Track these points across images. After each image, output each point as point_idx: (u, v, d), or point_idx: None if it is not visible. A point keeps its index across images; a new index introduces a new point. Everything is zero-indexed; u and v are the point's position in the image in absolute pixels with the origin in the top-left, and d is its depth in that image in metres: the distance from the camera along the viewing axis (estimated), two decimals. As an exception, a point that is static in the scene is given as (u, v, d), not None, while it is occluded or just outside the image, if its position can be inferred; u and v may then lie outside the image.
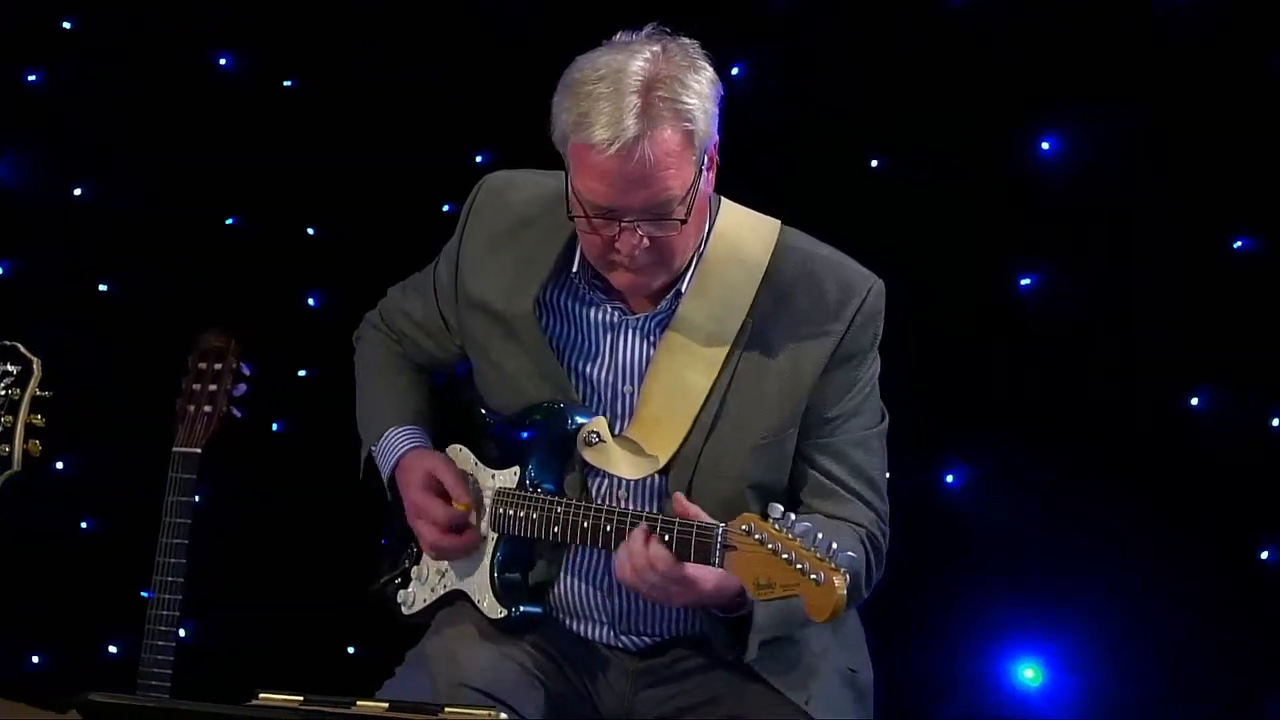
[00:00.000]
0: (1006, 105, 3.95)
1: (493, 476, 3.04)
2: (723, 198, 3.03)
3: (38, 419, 3.16)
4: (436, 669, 2.97)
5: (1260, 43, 3.73)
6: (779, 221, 3.03)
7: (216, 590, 4.38)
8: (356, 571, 4.57)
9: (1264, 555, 3.84)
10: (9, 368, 3.15)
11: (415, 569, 3.17)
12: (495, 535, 3.02)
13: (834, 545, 2.64)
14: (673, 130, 2.80)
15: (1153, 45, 3.83)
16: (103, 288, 4.74)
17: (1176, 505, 3.87)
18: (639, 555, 2.80)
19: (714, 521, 2.77)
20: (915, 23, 4.00)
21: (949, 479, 4.04)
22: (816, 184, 4.05)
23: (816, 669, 2.97)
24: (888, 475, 3.03)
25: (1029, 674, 4.02)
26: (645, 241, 2.84)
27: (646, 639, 3.02)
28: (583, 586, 3.01)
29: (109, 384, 4.63)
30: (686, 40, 2.90)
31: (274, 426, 4.72)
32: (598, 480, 2.99)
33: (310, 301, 4.67)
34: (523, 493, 2.98)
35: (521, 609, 3.00)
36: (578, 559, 3.01)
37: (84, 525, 4.76)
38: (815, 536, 2.64)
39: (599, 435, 2.94)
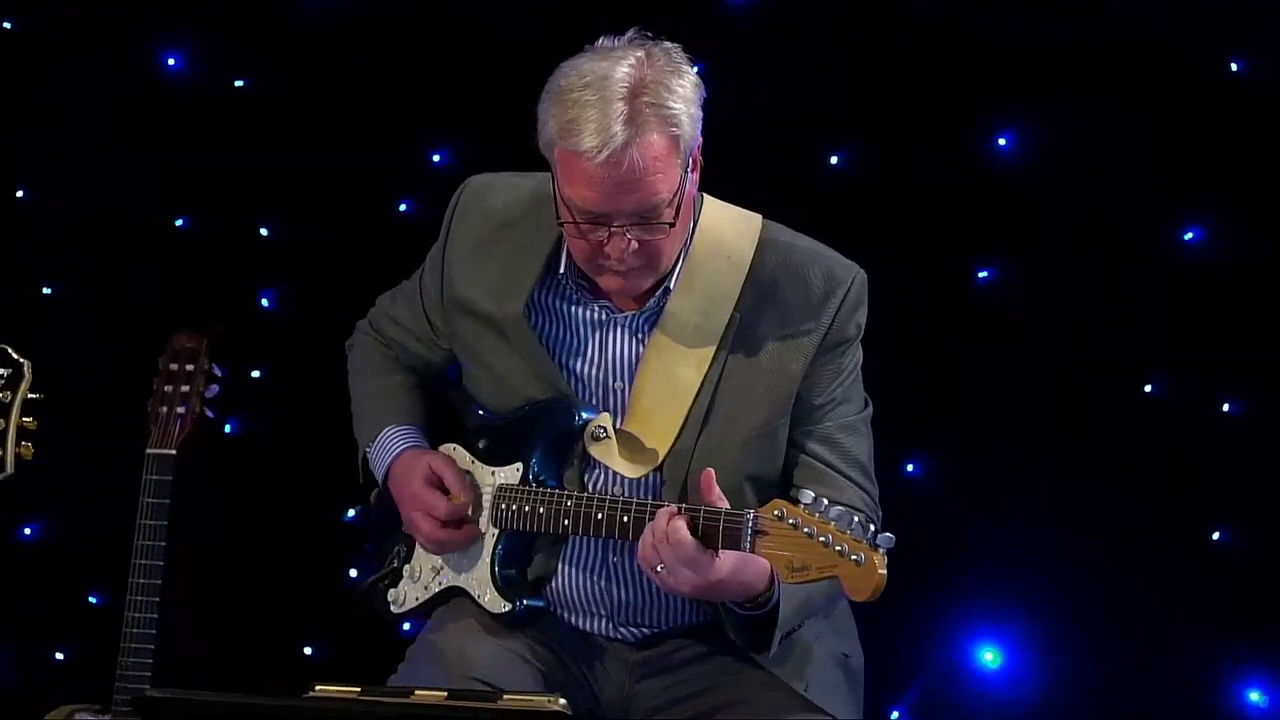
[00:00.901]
0: (963, 102, 4.04)
1: (492, 473, 3.08)
2: (704, 194, 3.09)
3: (30, 421, 3.15)
4: (447, 662, 3.00)
5: (1215, 41, 3.85)
6: (760, 216, 3.10)
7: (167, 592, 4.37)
8: (309, 572, 4.62)
9: (1215, 536, 3.97)
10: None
11: (407, 567, 3.20)
12: (496, 531, 3.06)
13: (872, 527, 2.71)
14: (659, 135, 2.85)
15: (1106, 42, 3.94)
16: (46, 291, 4.70)
17: (1133, 489, 3.99)
18: (659, 531, 2.84)
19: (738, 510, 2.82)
20: (873, 21, 4.08)
21: (909, 468, 4.13)
22: (776, 180, 4.12)
23: (812, 654, 3.03)
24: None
25: (989, 657, 4.13)
26: (634, 245, 2.89)
27: (644, 630, 3.08)
28: (581, 580, 3.06)
29: (54, 388, 4.59)
30: (669, 44, 2.96)
31: (227, 428, 4.71)
32: (595, 475, 3.04)
33: (264, 302, 4.67)
34: (526, 488, 3.02)
35: (525, 603, 3.04)
36: (575, 552, 3.05)
37: (27, 532, 4.73)
38: (851, 519, 2.72)
39: (605, 430, 3.00)
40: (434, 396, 3.28)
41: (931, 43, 4.05)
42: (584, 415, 3.01)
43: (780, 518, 2.74)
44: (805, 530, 2.71)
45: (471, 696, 2.49)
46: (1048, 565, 4.05)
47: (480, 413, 3.12)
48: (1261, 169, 3.87)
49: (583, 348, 3.04)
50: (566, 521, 2.95)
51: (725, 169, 3.19)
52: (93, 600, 4.80)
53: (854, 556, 2.68)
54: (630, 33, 2.96)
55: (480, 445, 3.11)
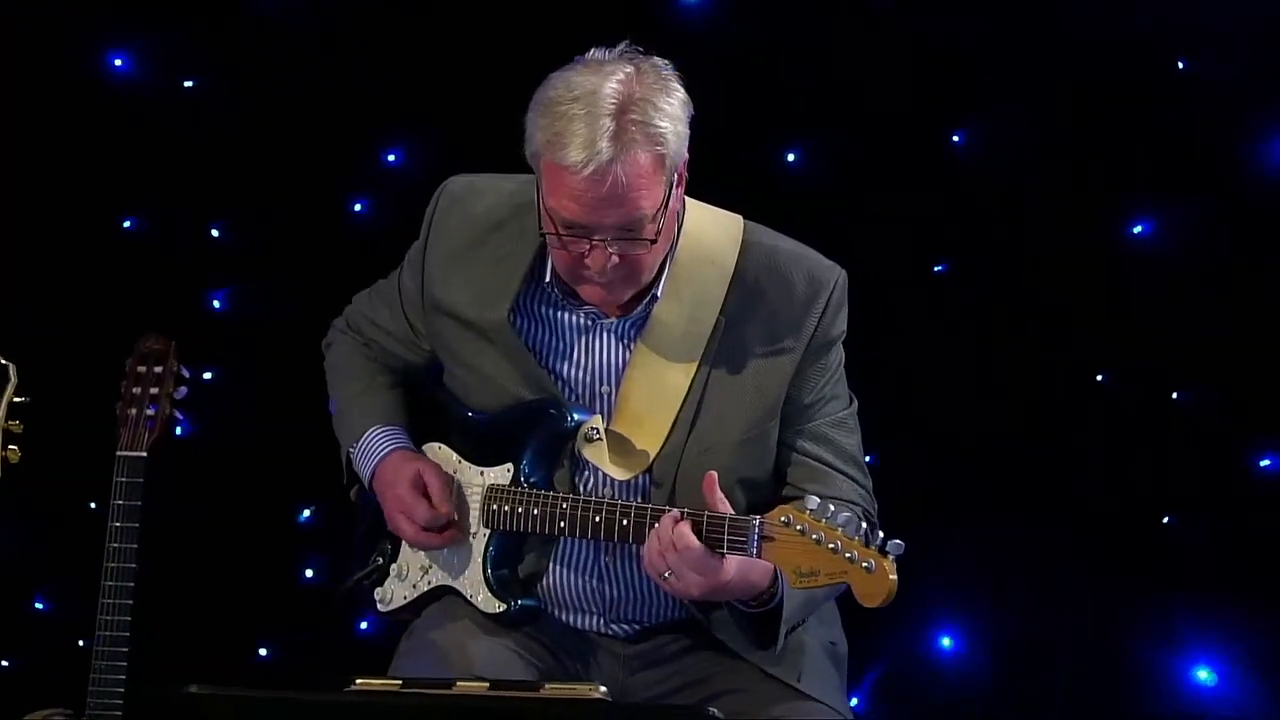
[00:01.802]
0: (917, 100, 4.13)
1: (481, 473, 3.10)
2: (686, 197, 3.12)
3: (15, 425, 3.14)
4: (445, 659, 3.03)
5: (1162, 41, 3.97)
6: (741, 217, 3.14)
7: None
8: (263, 573, 4.62)
9: (1165, 520, 4.09)
10: (-18, 374, 3.12)
11: (394, 566, 3.21)
12: (487, 531, 3.09)
13: (881, 534, 2.76)
14: (645, 153, 2.88)
15: (1058, 40, 4.04)
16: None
17: (1084, 475, 4.10)
18: (664, 537, 2.87)
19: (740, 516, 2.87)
20: (829, 20, 4.16)
21: (866, 459, 4.20)
22: (731, 178, 4.17)
23: (802, 644, 3.08)
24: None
25: (946, 642, 4.23)
26: (614, 258, 2.92)
27: (636, 626, 3.12)
28: (572, 578, 3.09)
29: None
30: (659, 60, 2.99)
31: (178, 430, 4.69)
32: (585, 476, 3.07)
33: (215, 304, 4.66)
34: (517, 489, 3.05)
35: (520, 602, 3.07)
36: (566, 553, 3.08)
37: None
38: (859, 525, 2.77)
39: (598, 432, 3.03)
40: (413, 393, 3.29)
41: (887, 40, 4.14)
42: (576, 417, 3.04)
43: (787, 524, 2.78)
44: (814, 536, 2.75)
45: (512, 686, 2.52)
46: (1001, 551, 4.14)
47: (468, 412, 3.14)
48: (1205, 163, 4.00)
49: (569, 352, 3.07)
50: (562, 524, 2.98)
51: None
52: (39, 607, 4.76)
53: (865, 564, 2.73)
54: (621, 45, 2.99)
55: (467, 444, 3.14)
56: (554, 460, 3.06)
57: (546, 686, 2.48)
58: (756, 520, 2.83)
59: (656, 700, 3.06)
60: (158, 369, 3.79)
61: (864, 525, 2.78)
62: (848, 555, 2.74)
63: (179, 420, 3.81)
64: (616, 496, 3.03)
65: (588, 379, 3.07)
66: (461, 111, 4.43)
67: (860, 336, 4.15)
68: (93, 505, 4.63)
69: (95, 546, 4.43)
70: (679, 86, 2.97)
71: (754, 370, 3.03)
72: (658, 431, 3.01)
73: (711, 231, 3.07)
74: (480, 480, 3.10)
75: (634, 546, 3.01)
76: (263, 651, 4.69)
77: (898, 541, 2.78)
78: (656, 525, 2.89)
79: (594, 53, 2.99)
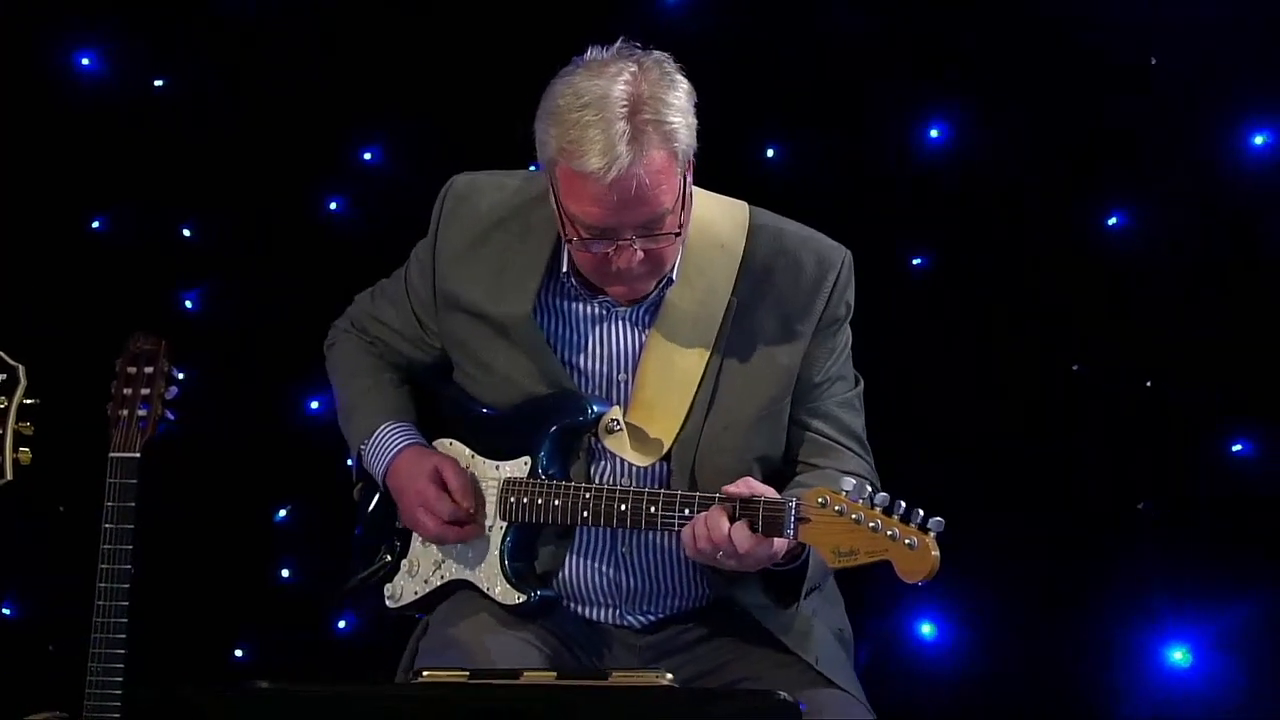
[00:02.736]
0: (897, 96, 4.19)
1: (496, 467, 3.13)
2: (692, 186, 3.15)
3: (26, 426, 3.12)
4: (466, 653, 3.04)
5: (1135, 38, 4.05)
6: (745, 203, 3.19)
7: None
8: (239, 574, 4.60)
9: (1140, 506, 4.18)
10: (-7, 375, 3.10)
11: (404, 562, 3.22)
12: (504, 524, 3.11)
13: (920, 512, 2.82)
14: (661, 151, 2.93)
15: (1032, 37, 4.12)
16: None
17: (1061, 461, 4.17)
18: (719, 539, 2.91)
19: (777, 496, 2.93)
20: (808, 15, 4.21)
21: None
22: (712, 173, 4.22)
23: (814, 629, 3.14)
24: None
25: (926, 629, 4.29)
26: (640, 255, 2.97)
27: (651, 616, 3.15)
28: (590, 570, 3.12)
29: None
30: (658, 54, 3.03)
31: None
32: (601, 466, 3.10)
33: (187, 304, 4.64)
34: (536, 481, 3.07)
35: (539, 593, 3.10)
36: (584, 543, 3.11)
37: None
38: (899, 504, 2.83)
39: (619, 423, 3.07)
40: (419, 391, 3.31)
41: (865, 36, 4.20)
42: (595, 409, 3.07)
43: (824, 505, 2.84)
44: (853, 517, 2.81)
45: (579, 675, 2.54)
46: (977, 538, 4.19)
47: (483, 409, 3.16)
48: (1177, 156, 4.09)
49: (584, 343, 3.10)
50: (585, 514, 3.01)
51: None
52: (5, 611, 4.72)
53: (907, 541, 2.80)
54: (618, 43, 3.02)
55: (480, 439, 3.16)
56: (571, 452, 3.09)
57: (614, 674, 2.50)
58: (793, 503, 2.89)
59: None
60: (148, 369, 3.78)
61: (902, 504, 2.83)
62: (889, 533, 2.80)
63: (170, 420, 3.81)
64: (634, 484, 3.07)
65: (604, 368, 3.11)
66: (439, 108, 4.43)
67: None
68: (61, 509, 4.61)
69: (63, 550, 4.45)
70: (682, 79, 3.01)
71: (766, 351, 3.08)
72: (674, 416, 3.06)
73: (719, 217, 3.12)
74: (496, 474, 3.13)
75: (650, 535, 3.06)
76: (239, 653, 4.67)
77: (939, 519, 2.85)
78: (701, 525, 2.91)
79: (592, 52, 3.02)
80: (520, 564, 3.10)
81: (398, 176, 4.50)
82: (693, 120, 2.99)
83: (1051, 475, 4.18)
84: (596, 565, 3.12)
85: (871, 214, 4.19)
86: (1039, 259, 4.16)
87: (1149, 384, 4.15)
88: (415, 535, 3.21)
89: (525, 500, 3.06)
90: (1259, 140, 4.04)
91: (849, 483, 2.87)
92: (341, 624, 4.65)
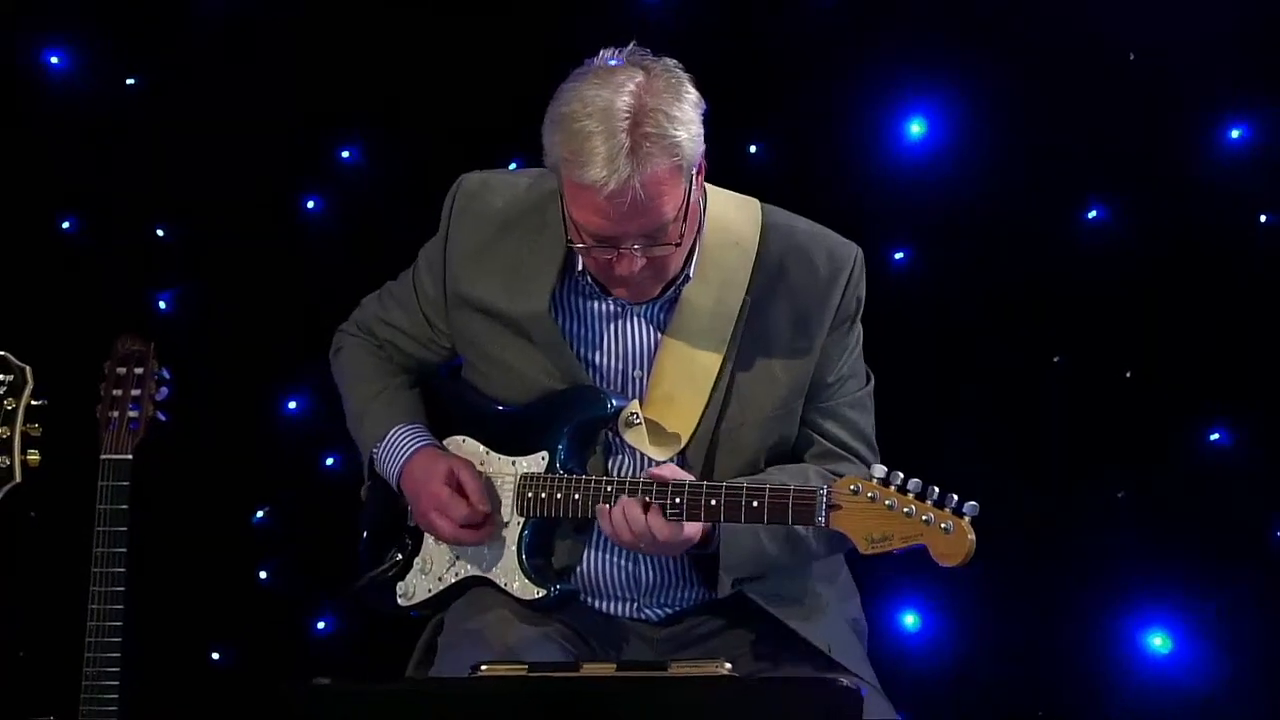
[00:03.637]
0: (878, 92, 4.23)
1: (513, 463, 3.13)
2: (706, 184, 3.16)
3: (34, 428, 3.09)
4: (492, 649, 3.04)
5: (1114, 33, 4.12)
6: (756, 200, 3.21)
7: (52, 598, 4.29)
8: (217, 576, 4.56)
9: (1120, 495, 4.25)
10: (1, 377, 3.07)
11: (416, 560, 3.22)
12: (521, 519, 3.11)
13: (955, 496, 2.85)
14: (663, 163, 2.93)
15: (1012, 33, 4.18)
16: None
17: (1041, 451, 4.23)
18: (637, 522, 2.96)
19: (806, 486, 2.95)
20: (786, 12, 4.25)
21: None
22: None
23: (828, 619, 3.17)
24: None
25: (909, 619, 4.34)
26: (643, 262, 2.99)
27: (667, 609, 3.17)
28: (608, 564, 3.13)
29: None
30: (669, 61, 3.03)
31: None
32: (619, 460, 3.12)
33: (161, 305, 4.60)
34: (554, 476, 3.08)
35: (558, 588, 3.10)
36: (602, 537, 3.11)
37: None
38: (931, 490, 2.86)
39: (638, 416, 3.08)
40: (430, 391, 3.30)
41: (845, 32, 4.24)
42: (615, 403, 3.09)
43: (856, 493, 2.87)
44: (886, 503, 2.85)
45: (639, 666, 2.55)
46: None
47: (496, 406, 3.16)
48: (1155, 150, 4.16)
49: (600, 340, 3.12)
50: (604, 506, 3.01)
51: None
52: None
53: (943, 525, 2.84)
54: (630, 46, 3.04)
55: (495, 435, 3.16)
56: (589, 447, 3.10)
57: (673, 665, 2.51)
58: (824, 490, 2.91)
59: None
60: (138, 370, 3.75)
61: (935, 489, 2.87)
62: (924, 519, 2.84)
63: (162, 421, 3.78)
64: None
65: (619, 365, 3.12)
66: (417, 107, 4.43)
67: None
68: (32, 514, 4.56)
69: (41, 556, 4.40)
70: (691, 88, 3.01)
71: (781, 349, 3.10)
72: (691, 412, 3.08)
73: (733, 215, 3.14)
74: (512, 470, 3.13)
75: None
76: (215, 655, 4.64)
77: (973, 503, 2.89)
78: (619, 515, 2.96)
79: (602, 55, 3.03)
80: (538, 559, 3.11)
81: (377, 175, 4.49)
82: (698, 130, 3.00)
83: (1032, 465, 4.24)
84: (615, 559, 3.13)
85: (851, 209, 4.20)
86: (1018, 252, 4.22)
87: (1128, 375, 4.22)
88: (427, 534, 3.19)
89: (544, 495, 3.07)
90: (1235, 134, 4.12)
91: (879, 469, 2.90)
92: (321, 625, 4.63)
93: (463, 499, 3.10)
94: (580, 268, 3.09)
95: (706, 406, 3.08)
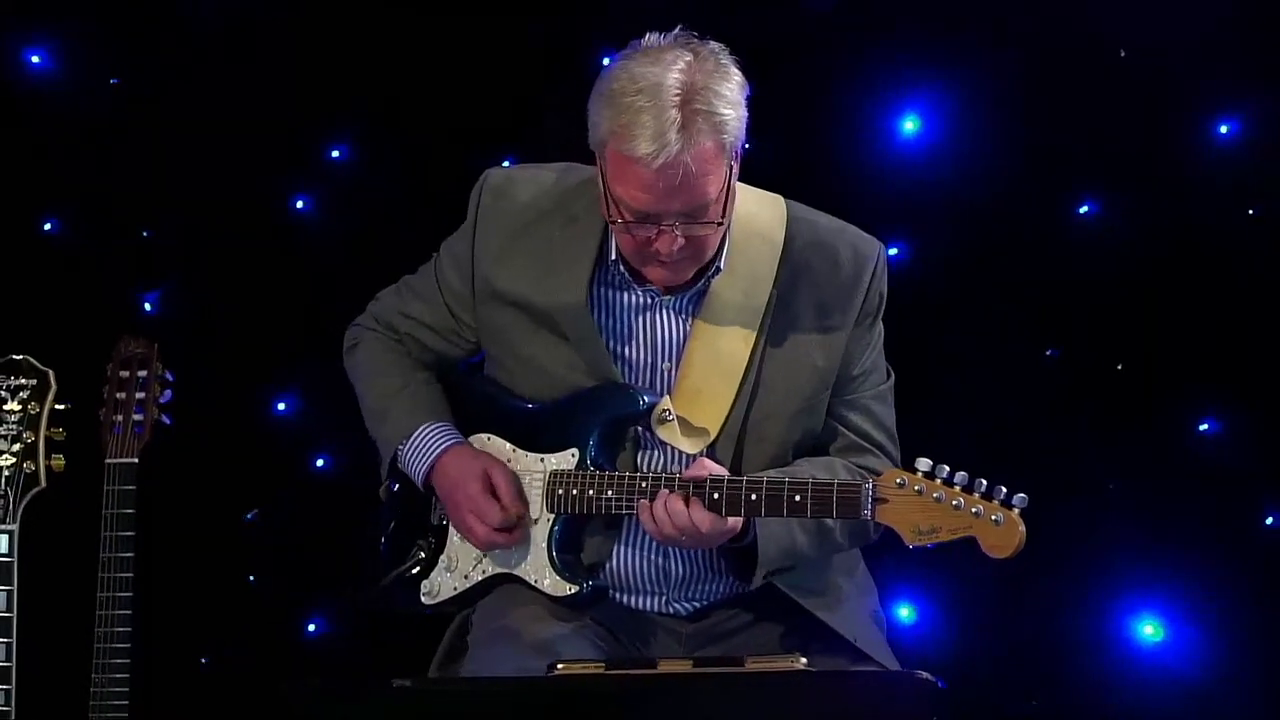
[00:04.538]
0: (872, 89, 4.26)
1: (541, 460, 3.13)
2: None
3: (58, 432, 3.06)
4: (526, 645, 3.04)
5: (1103, 30, 4.17)
6: (780, 196, 3.23)
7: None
8: (208, 579, 4.52)
9: (1111, 486, 4.30)
10: (24, 381, 3.04)
11: (441, 558, 3.20)
12: (550, 516, 3.11)
13: (1003, 489, 2.88)
14: (710, 141, 2.96)
15: (1003, 32, 4.22)
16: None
17: (1035, 442, 4.28)
18: (680, 516, 2.97)
19: (851, 480, 2.99)
20: (781, 15, 4.27)
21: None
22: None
23: (852, 610, 3.19)
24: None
25: (904, 612, 4.38)
26: (681, 241, 3.00)
27: (696, 603, 3.18)
28: (638, 560, 3.14)
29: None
30: (715, 45, 3.05)
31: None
32: (649, 455, 3.13)
33: (146, 306, 4.55)
34: (584, 473, 3.08)
35: (590, 584, 3.11)
36: (630, 532, 3.13)
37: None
38: (979, 483, 2.88)
39: (670, 413, 3.08)
40: (449, 389, 3.29)
41: (840, 30, 4.27)
42: (647, 399, 3.09)
43: (902, 486, 2.89)
44: (934, 496, 2.87)
45: (715, 662, 2.55)
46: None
47: (524, 403, 3.16)
48: (1146, 146, 4.22)
49: (631, 333, 3.12)
50: (645, 502, 3.02)
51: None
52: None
53: (993, 517, 2.86)
54: (676, 30, 3.05)
55: (522, 432, 3.15)
56: (619, 443, 3.11)
57: (749, 661, 2.52)
58: (869, 484, 2.94)
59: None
60: (141, 373, 3.71)
61: (983, 482, 2.90)
62: (973, 511, 2.87)
63: (166, 425, 3.74)
64: (680, 473, 3.07)
65: (648, 357, 3.13)
66: (408, 106, 4.41)
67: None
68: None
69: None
70: (736, 70, 3.04)
71: (807, 342, 3.12)
72: (721, 404, 3.09)
73: (758, 209, 3.16)
74: (541, 467, 3.13)
75: None
76: (203, 660, 4.60)
77: (1022, 495, 2.92)
78: (661, 510, 2.97)
79: (650, 38, 3.05)
80: (569, 555, 3.11)
81: (366, 175, 4.47)
82: (744, 113, 3.03)
83: (1025, 457, 4.28)
84: (645, 554, 3.14)
85: (845, 205, 4.23)
86: (1011, 247, 4.26)
87: (1119, 367, 4.27)
88: (452, 531, 3.19)
89: (575, 492, 3.07)
90: (1224, 130, 4.19)
91: (924, 462, 2.93)
92: (311, 627, 4.60)
93: (495, 501, 3.10)
94: (614, 257, 3.10)
95: (735, 399, 3.10)
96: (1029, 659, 4.33)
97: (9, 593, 3.14)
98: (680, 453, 3.10)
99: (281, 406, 4.55)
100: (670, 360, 3.13)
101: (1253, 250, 4.20)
